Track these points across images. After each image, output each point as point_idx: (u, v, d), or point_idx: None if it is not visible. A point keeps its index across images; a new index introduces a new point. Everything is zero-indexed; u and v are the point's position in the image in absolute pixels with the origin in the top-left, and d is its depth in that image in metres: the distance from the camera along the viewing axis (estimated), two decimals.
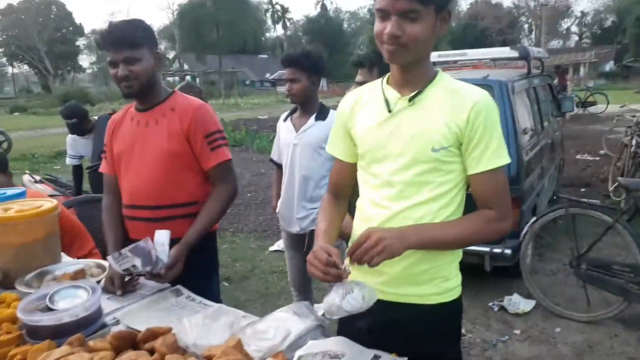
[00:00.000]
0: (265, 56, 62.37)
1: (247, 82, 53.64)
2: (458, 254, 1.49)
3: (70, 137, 4.97)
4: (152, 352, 1.30)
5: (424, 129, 1.36)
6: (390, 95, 1.43)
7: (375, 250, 1.25)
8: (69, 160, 5.13)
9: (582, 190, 6.98)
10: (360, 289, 1.29)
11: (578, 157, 9.46)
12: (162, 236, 1.79)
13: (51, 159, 11.34)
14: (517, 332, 3.45)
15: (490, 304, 3.81)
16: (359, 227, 1.50)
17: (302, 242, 2.87)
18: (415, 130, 1.37)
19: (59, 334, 1.38)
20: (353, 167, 1.56)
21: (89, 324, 1.46)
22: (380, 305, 1.40)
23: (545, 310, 3.68)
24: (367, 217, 1.49)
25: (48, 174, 6.37)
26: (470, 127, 1.33)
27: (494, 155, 1.35)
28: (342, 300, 1.28)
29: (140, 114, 2.05)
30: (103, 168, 2.19)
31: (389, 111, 1.42)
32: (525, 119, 4.35)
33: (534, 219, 3.78)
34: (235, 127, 15.40)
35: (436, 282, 1.44)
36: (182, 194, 2.01)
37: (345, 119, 1.54)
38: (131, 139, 2.04)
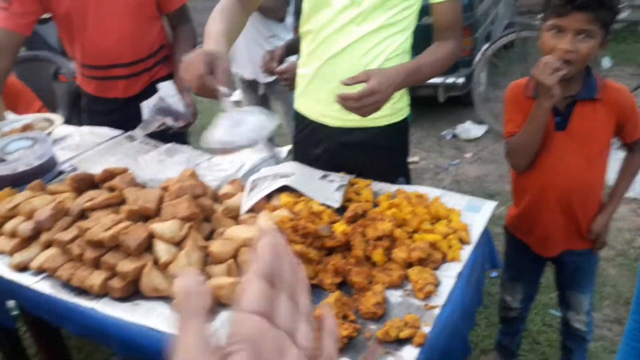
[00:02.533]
0: None
1: None
2: None
3: None
4: (111, 190, 1.36)
5: None
6: None
7: (367, 105, 1.20)
8: None
9: (539, 16, 6.89)
10: (247, 121, 1.06)
11: None
12: (169, 88, 1.74)
13: None
14: (468, 155, 3.68)
15: (443, 132, 3.98)
16: (311, 59, 1.44)
17: (257, 86, 2.84)
18: None
19: (17, 182, 1.43)
20: None
21: (45, 172, 1.50)
22: (335, 131, 1.47)
23: (495, 135, 3.88)
24: (322, 45, 1.40)
25: None
26: None
27: None
28: (223, 133, 1.04)
29: None
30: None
31: None
32: None
33: (487, 45, 3.80)
34: None
35: (388, 104, 1.49)
36: (153, 42, 1.92)
37: None
38: None
